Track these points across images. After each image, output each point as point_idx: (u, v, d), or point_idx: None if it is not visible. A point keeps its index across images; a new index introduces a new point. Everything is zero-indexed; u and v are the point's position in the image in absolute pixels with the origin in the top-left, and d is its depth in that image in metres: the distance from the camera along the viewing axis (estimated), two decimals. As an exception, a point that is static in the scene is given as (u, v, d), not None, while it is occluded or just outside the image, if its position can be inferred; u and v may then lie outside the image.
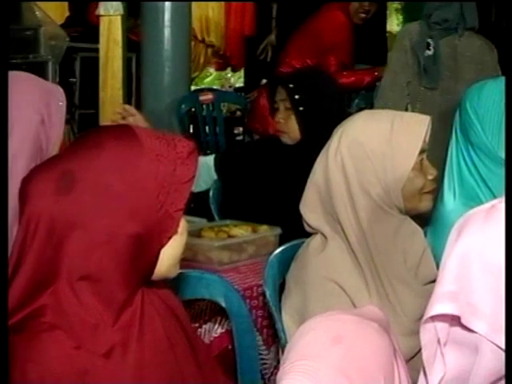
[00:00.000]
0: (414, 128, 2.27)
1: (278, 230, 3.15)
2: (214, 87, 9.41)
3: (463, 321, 1.17)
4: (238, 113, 6.60)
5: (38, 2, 6.76)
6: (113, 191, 1.70)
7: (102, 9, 4.45)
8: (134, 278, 1.75)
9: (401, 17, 10.47)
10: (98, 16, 4.51)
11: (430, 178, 2.27)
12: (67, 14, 8.49)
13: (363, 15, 5.76)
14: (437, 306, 1.19)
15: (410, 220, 2.33)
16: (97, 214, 1.68)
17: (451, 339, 1.23)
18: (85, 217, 1.68)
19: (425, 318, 1.21)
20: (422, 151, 2.24)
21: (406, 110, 4.31)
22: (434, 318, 1.20)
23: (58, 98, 2.77)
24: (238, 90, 9.27)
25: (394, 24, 10.54)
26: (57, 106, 2.74)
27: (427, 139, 2.26)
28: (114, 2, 4.54)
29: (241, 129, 6.58)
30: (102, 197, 1.70)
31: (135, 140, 1.73)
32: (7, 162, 1.04)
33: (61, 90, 2.85)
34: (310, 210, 2.36)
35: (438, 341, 1.22)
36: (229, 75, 11.44)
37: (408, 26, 4.79)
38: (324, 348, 1.46)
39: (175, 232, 1.76)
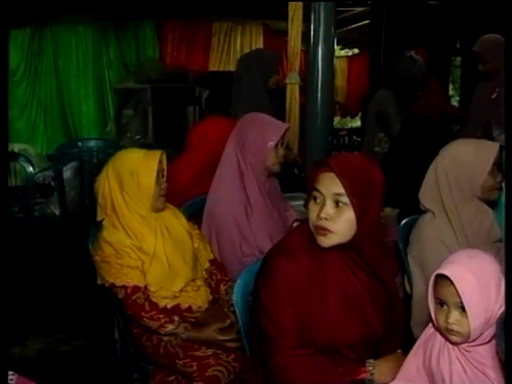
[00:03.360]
0: (489, 150, 2.29)
1: (396, 210, 3.12)
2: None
3: None
4: (356, 142, 6.59)
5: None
6: None
7: (287, 80, 4.57)
8: None
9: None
10: (285, 83, 4.65)
11: (498, 180, 2.28)
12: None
13: None
14: None
15: (484, 204, 2.34)
16: None
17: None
18: None
19: None
20: (493, 164, 2.25)
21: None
22: None
23: None
24: (355, 129, 9.27)
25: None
26: None
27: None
28: (295, 75, 4.68)
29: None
30: None
31: None
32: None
33: None
34: (426, 197, 2.37)
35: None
36: (347, 121, 11.40)
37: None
38: (462, 259, 1.58)
39: None
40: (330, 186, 1.69)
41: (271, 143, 2.66)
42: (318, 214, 1.70)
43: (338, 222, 1.69)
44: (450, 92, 9.98)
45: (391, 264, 2.61)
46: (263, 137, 2.67)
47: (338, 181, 1.68)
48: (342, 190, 1.68)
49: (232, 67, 7.76)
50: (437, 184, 2.33)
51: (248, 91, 3.93)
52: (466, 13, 7.06)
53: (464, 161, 2.29)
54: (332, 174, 1.69)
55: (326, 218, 1.68)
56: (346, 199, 1.68)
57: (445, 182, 2.31)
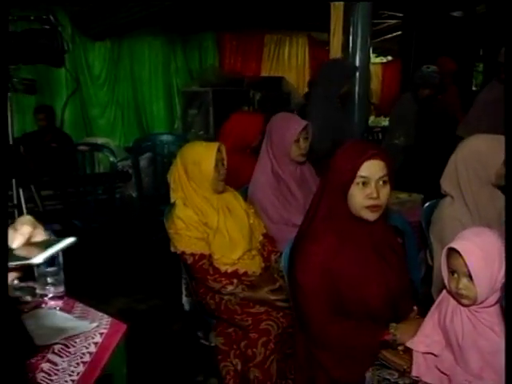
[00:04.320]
0: (502, 142, 2.26)
1: (421, 196, 3.17)
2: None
3: None
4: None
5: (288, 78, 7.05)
6: None
7: None
8: None
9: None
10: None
11: None
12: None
13: None
14: None
15: (497, 189, 2.31)
16: None
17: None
18: None
19: None
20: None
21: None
22: None
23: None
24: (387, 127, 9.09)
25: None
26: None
27: None
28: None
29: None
30: None
31: None
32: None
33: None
34: (446, 183, 2.37)
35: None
36: (381, 120, 11.16)
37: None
38: (470, 235, 1.62)
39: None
40: (376, 170, 1.78)
41: (291, 137, 2.76)
42: (369, 196, 1.77)
43: (382, 197, 1.80)
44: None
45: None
46: (284, 132, 2.78)
47: (382, 165, 1.78)
48: (384, 172, 1.79)
49: (281, 73, 7.79)
50: (456, 172, 2.33)
51: (323, 95, 3.93)
52: (488, 24, 6.93)
53: (481, 152, 2.28)
54: (375, 161, 1.78)
55: (377, 197, 1.77)
56: (386, 178, 1.79)
57: (463, 170, 2.31)
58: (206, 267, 2.37)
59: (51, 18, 2.91)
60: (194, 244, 2.38)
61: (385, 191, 1.80)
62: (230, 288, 2.37)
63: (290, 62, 8.45)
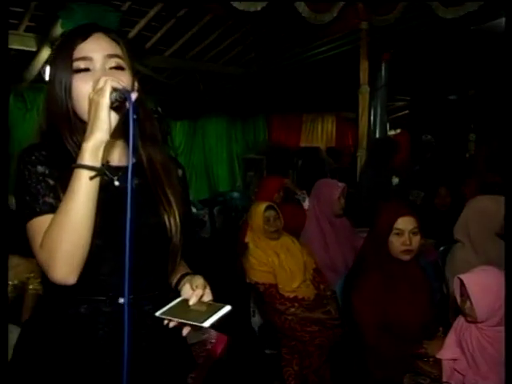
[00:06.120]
0: (501, 203, 2.19)
1: (434, 241, 3.08)
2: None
3: None
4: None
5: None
6: None
7: (358, 153, 4.29)
8: None
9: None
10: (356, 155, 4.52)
11: None
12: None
13: None
14: None
15: (499, 238, 2.25)
16: None
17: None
18: None
19: None
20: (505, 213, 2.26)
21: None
22: None
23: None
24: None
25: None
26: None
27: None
28: (363, 150, 4.32)
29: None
30: None
31: None
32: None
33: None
34: (459, 233, 2.35)
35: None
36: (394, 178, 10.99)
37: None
38: (477, 270, 1.66)
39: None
40: (408, 224, 1.88)
41: (335, 196, 2.91)
42: (403, 243, 1.86)
43: (414, 244, 1.88)
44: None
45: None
46: (330, 193, 2.93)
47: (412, 220, 1.88)
48: (414, 225, 1.88)
49: (315, 144, 7.90)
50: (466, 225, 2.32)
51: (372, 165, 4.07)
52: (477, 104, 6.98)
53: (487, 210, 2.28)
54: (407, 218, 1.88)
55: (410, 244, 1.85)
56: (416, 229, 1.88)
57: (473, 223, 2.30)
58: (274, 293, 2.46)
59: (159, 109, 3.18)
60: (264, 276, 2.48)
61: (416, 239, 1.88)
62: (291, 310, 2.43)
63: (322, 135, 8.57)
